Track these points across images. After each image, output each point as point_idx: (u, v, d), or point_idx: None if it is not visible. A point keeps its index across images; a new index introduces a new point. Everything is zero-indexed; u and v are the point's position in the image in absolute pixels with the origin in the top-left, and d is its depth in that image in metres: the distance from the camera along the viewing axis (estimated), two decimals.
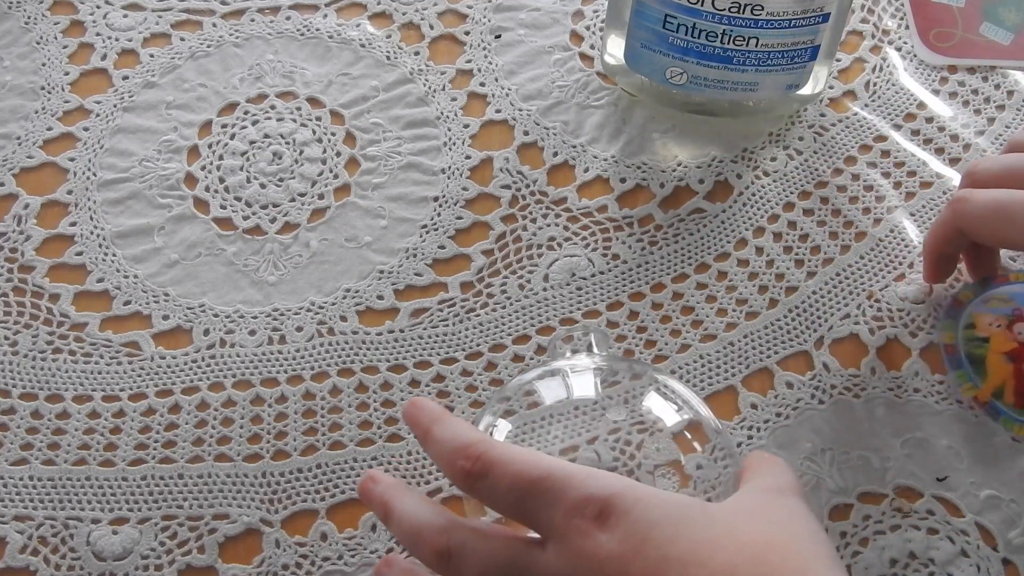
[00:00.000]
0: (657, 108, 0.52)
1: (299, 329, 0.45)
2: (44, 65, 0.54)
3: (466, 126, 0.51)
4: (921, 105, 0.52)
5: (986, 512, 0.40)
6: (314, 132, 0.51)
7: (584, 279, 0.46)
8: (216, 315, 0.46)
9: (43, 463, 0.42)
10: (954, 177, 0.49)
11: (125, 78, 0.53)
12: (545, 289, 0.46)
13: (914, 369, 0.43)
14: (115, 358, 0.44)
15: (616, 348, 0.45)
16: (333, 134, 0.51)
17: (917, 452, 0.41)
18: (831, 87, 0.52)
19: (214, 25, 0.55)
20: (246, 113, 0.52)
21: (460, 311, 0.46)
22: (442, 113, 0.52)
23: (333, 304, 0.46)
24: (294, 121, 0.52)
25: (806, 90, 0.49)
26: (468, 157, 0.50)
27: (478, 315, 0.46)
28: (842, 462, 0.41)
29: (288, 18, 0.55)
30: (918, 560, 0.39)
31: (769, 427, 0.42)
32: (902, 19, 0.55)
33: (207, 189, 0.49)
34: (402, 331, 0.45)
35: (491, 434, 0.40)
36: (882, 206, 0.48)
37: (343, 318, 0.46)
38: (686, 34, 0.45)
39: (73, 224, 0.48)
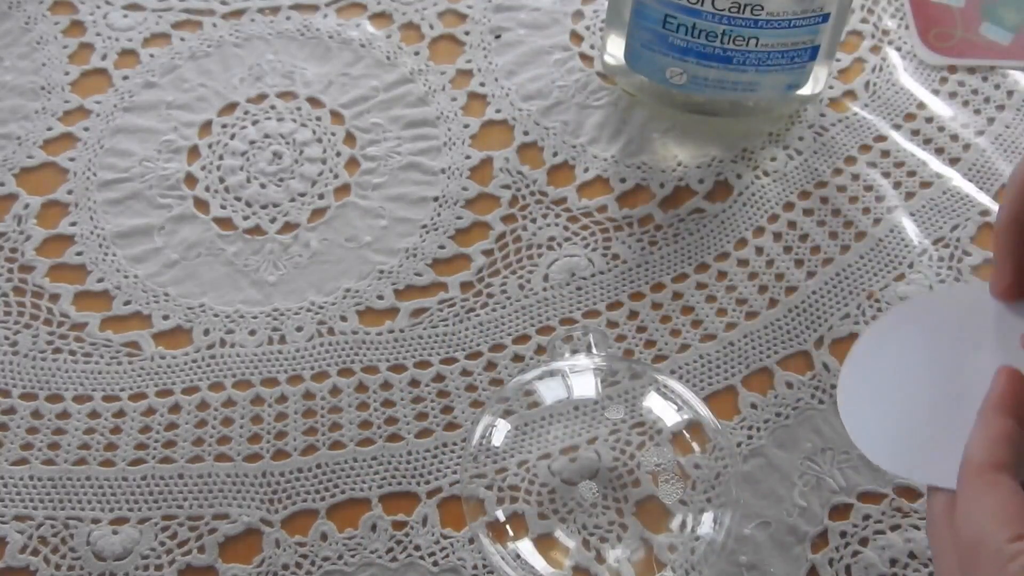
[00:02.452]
0: (657, 108, 0.52)
1: (299, 329, 0.45)
2: (44, 65, 0.54)
3: (466, 126, 0.51)
4: (921, 105, 0.52)
5: None
6: (314, 132, 0.51)
7: (584, 279, 0.46)
8: (216, 315, 0.46)
9: (43, 463, 0.42)
10: (954, 177, 0.49)
11: (125, 78, 0.53)
12: (545, 289, 0.46)
13: None
14: (115, 358, 0.44)
15: (616, 348, 0.45)
16: (333, 134, 0.51)
17: None
18: (831, 87, 0.52)
19: (214, 25, 0.55)
20: (246, 113, 0.52)
21: (460, 311, 0.46)
22: (442, 113, 0.52)
23: (333, 304, 0.46)
24: (294, 121, 0.52)
25: (806, 90, 0.49)
26: (468, 157, 0.50)
27: (478, 315, 0.46)
28: (842, 462, 0.41)
29: (288, 18, 0.55)
30: (918, 560, 0.39)
31: (769, 427, 0.42)
32: (902, 19, 0.55)
33: (207, 189, 0.49)
34: (402, 331, 0.45)
35: (491, 434, 0.40)
36: (882, 206, 0.48)
37: (343, 318, 0.46)
38: (686, 34, 0.45)
39: (73, 224, 0.48)
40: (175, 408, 0.43)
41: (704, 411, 0.39)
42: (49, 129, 0.51)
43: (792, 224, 0.48)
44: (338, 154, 0.50)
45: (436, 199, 0.49)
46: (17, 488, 0.41)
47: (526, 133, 0.51)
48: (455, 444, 0.42)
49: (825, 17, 0.44)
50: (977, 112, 0.52)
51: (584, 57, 0.54)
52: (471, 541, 0.40)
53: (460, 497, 0.41)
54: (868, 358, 0.34)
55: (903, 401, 0.32)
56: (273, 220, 0.48)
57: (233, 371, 0.44)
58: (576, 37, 0.55)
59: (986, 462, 0.28)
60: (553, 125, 0.51)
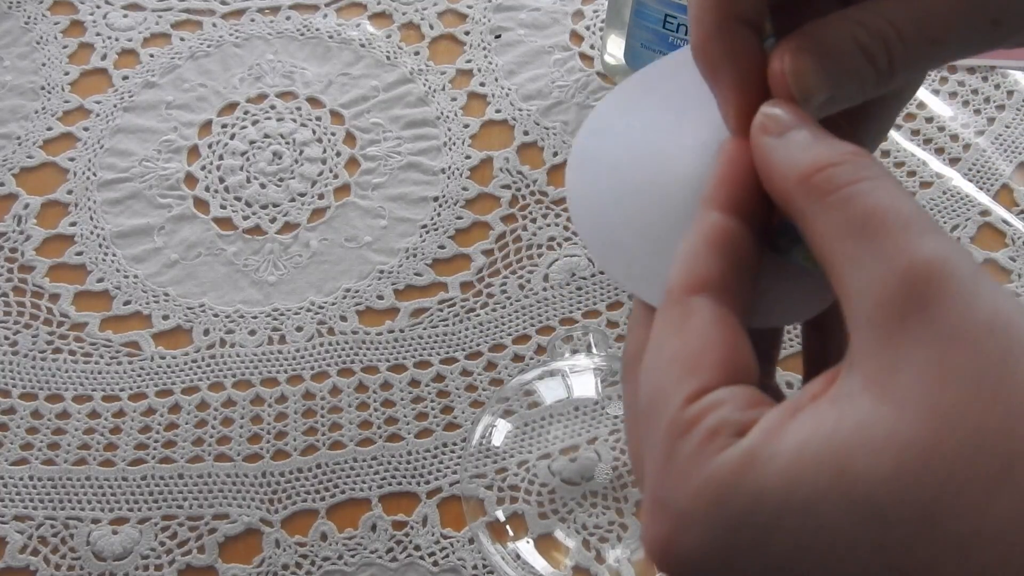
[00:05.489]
0: None
1: (299, 329, 0.45)
2: (44, 65, 0.54)
3: (466, 126, 0.51)
4: (921, 105, 0.52)
5: None
6: (314, 132, 0.51)
7: (584, 279, 0.47)
8: (216, 315, 0.46)
9: (43, 463, 0.42)
10: (954, 177, 0.49)
11: (125, 78, 0.53)
12: (545, 289, 0.46)
13: None
14: (115, 358, 0.44)
15: (616, 348, 0.45)
16: (333, 134, 0.51)
17: None
18: None
19: (214, 25, 0.55)
20: (246, 113, 0.52)
21: (460, 311, 0.46)
22: (442, 113, 0.52)
23: (333, 304, 0.46)
24: (294, 121, 0.52)
25: None
26: (468, 157, 0.50)
27: (478, 315, 0.46)
28: None
29: (288, 18, 0.55)
30: None
31: None
32: None
33: (207, 189, 0.49)
34: (402, 331, 0.45)
35: (491, 434, 0.40)
36: None
37: (343, 318, 0.46)
38: (686, 34, 0.45)
39: (73, 224, 0.48)
40: (175, 408, 0.43)
41: None
42: (49, 129, 0.51)
43: None
44: (338, 154, 0.50)
45: (436, 199, 0.49)
46: (17, 488, 0.41)
47: (526, 133, 0.51)
48: (455, 444, 0.42)
49: None
50: (977, 112, 0.52)
51: (584, 57, 0.54)
52: (471, 541, 0.40)
53: (460, 497, 0.41)
54: (604, 129, 0.25)
55: (636, 188, 0.24)
56: (273, 220, 0.48)
57: (233, 371, 0.44)
58: (576, 37, 0.55)
59: (683, 283, 0.20)
60: (553, 125, 0.51)
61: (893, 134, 0.51)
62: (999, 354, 0.16)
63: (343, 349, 0.45)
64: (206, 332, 0.45)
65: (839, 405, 0.17)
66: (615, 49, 0.50)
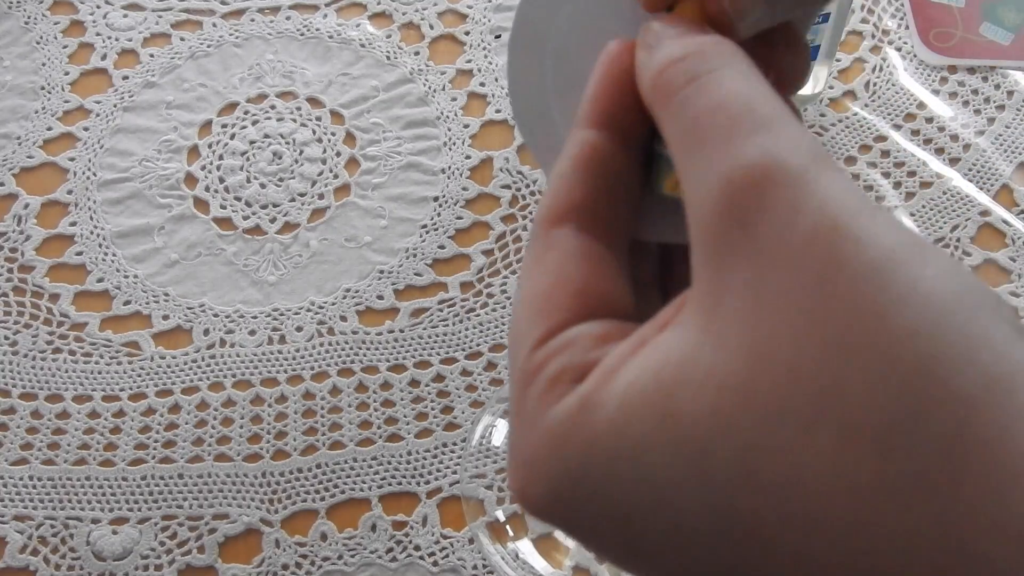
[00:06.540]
0: None
1: (299, 329, 0.45)
2: (44, 65, 0.54)
3: (466, 126, 0.51)
4: (921, 105, 0.52)
5: None
6: (314, 132, 0.51)
7: None
8: (216, 315, 0.46)
9: (43, 463, 0.42)
10: (954, 177, 0.49)
11: (125, 78, 0.53)
12: None
13: None
14: (115, 358, 0.44)
15: None
16: (333, 134, 0.51)
17: None
18: (831, 87, 0.52)
19: (214, 25, 0.55)
20: (246, 113, 0.52)
21: (460, 311, 0.46)
22: (442, 113, 0.52)
23: (333, 304, 0.46)
24: (294, 121, 0.52)
25: (806, 90, 0.49)
26: (468, 157, 0.50)
27: (478, 315, 0.46)
28: None
29: (288, 18, 0.55)
30: None
31: None
32: (902, 19, 0.55)
33: (207, 189, 0.49)
34: (402, 331, 0.45)
35: (491, 434, 0.40)
36: (882, 206, 0.48)
37: (343, 318, 0.46)
38: None
39: (73, 224, 0.48)
40: (175, 408, 0.43)
41: None
42: (49, 129, 0.51)
43: None
44: (338, 154, 0.50)
45: (436, 199, 0.49)
46: (17, 488, 0.41)
47: None
48: (455, 444, 0.42)
49: (825, 17, 0.44)
50: (977, 112, 0.52)
51: None
52: (471, 541, 0.40)
53: (460, 497, 0.41)
54: (550, 3, 0.23)
55: (582, 85, 0.21)
56: (273, 220, 0.48)
57: (233, 371, 0.44)
58: None
59: (546, 214, 0.19)
60: None
61: (893, 134, 0.51)
62: (815, 274, 0.14)
63: (343, 349, 0.45)
64: (206, 332, 0.45)
65: (672, 337, 0.16)
66: None
